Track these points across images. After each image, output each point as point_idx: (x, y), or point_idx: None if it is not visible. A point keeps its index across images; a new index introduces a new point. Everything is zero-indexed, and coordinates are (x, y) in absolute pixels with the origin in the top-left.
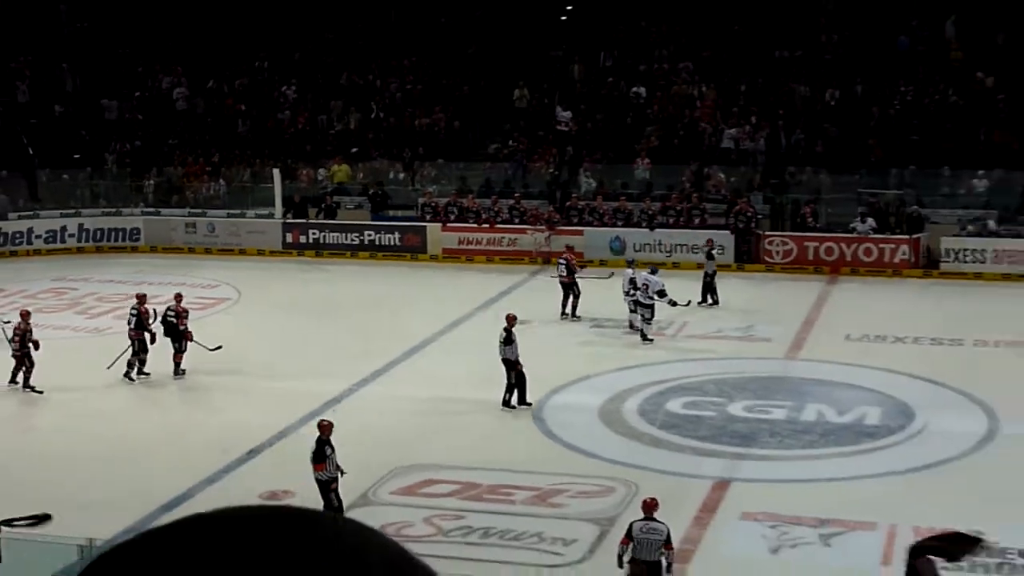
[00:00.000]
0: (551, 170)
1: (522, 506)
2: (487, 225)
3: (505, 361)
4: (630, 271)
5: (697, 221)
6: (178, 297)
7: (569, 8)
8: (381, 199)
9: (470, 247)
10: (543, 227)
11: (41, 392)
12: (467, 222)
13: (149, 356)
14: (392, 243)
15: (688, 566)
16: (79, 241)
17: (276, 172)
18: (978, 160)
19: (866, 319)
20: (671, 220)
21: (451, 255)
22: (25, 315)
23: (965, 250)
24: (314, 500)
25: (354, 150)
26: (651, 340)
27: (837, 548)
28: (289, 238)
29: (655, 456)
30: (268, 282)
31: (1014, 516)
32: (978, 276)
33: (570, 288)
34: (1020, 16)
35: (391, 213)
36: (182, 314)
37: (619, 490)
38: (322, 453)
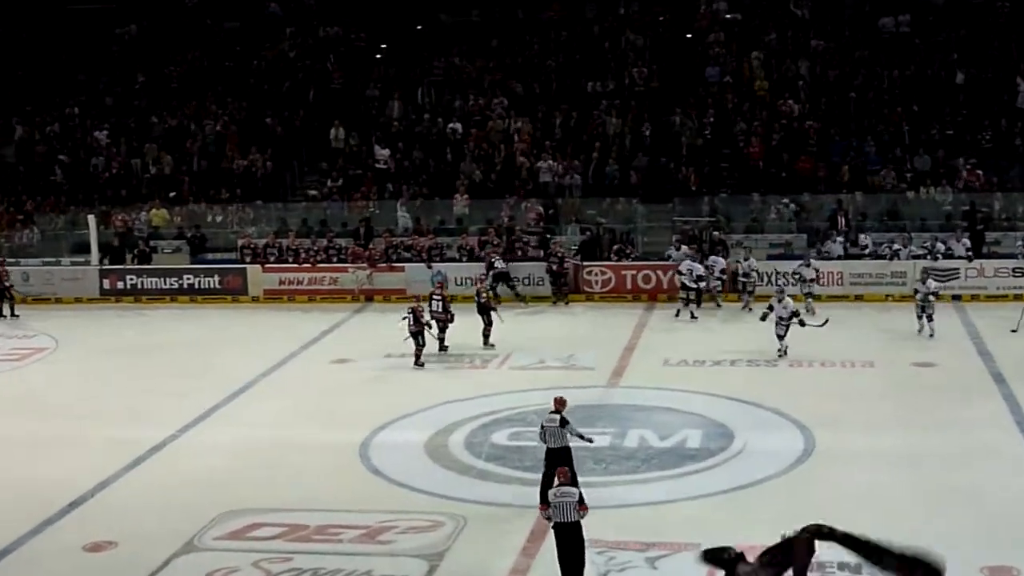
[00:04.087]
0: (370, 208)
1: (351, 545)
2: (308, 264)
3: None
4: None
5: (520, 254)
6: None
7: (384, 47)
8: (199, 242)
9: (291, 287)
10: (364, 265)
11: None
12: (287, 262)
13: None
14: (212, 286)
15: None
16: None
17: (91, 218)
18: (785, 186)
19: (685, 345)
20: (486, 253)
21: (272, 296)
22: None
23: (777, 274)
24: (138, 551)
25: (171, 194)
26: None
27: (664, 570)
28: (107, 284)
29: (482, 488)
30: (86, 329)
31: None
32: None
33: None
34: (820, 51)
35: (210, 256)
36: None
37: (447, 524)
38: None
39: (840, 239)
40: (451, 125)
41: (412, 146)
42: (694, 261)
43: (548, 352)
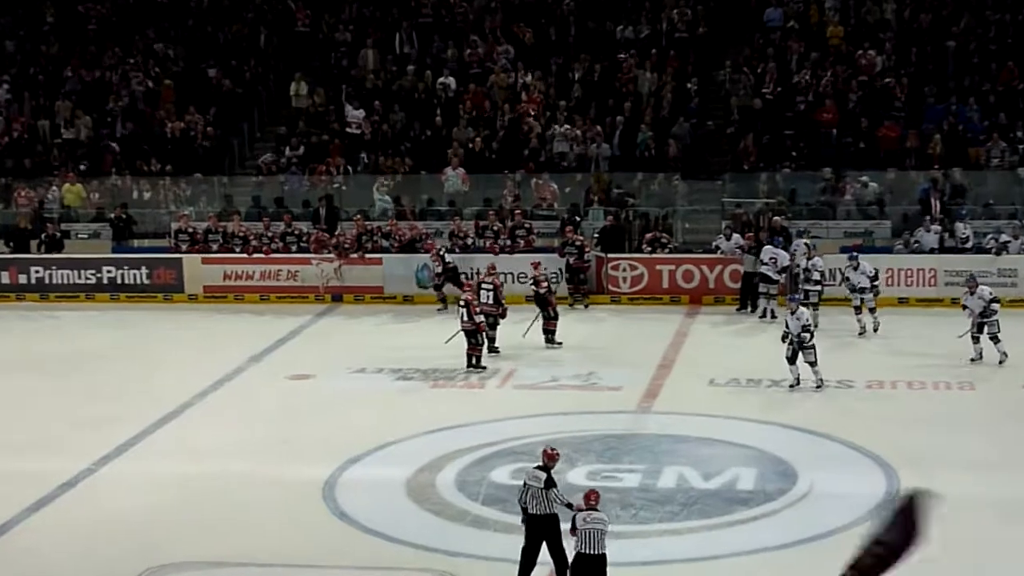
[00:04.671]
0: (337, 184)
1: None
2: (260, 255)
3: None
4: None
5: (522, 243)
6: None
7: None
8: (124, 226)
9: (239, 283)
10: (332, 255)
11: None
12: (234, 251)
13: None
14: (139, 281)
15: None
16: None
17: None
18: (864, 159)
19: (736, 359)
20: (488, 243)
21: (215, 294)
22: None
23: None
24: None
25: (85, 165)
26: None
27: None
28: (6, 278)
29: (477, 539)
30: None
31: None
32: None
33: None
34: None
35: (137, 243)
36: None
37: None
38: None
39: (935, 228)
40: (442, 80)
41: (392, 106)
42: (777, 247)
43: (562, 367)
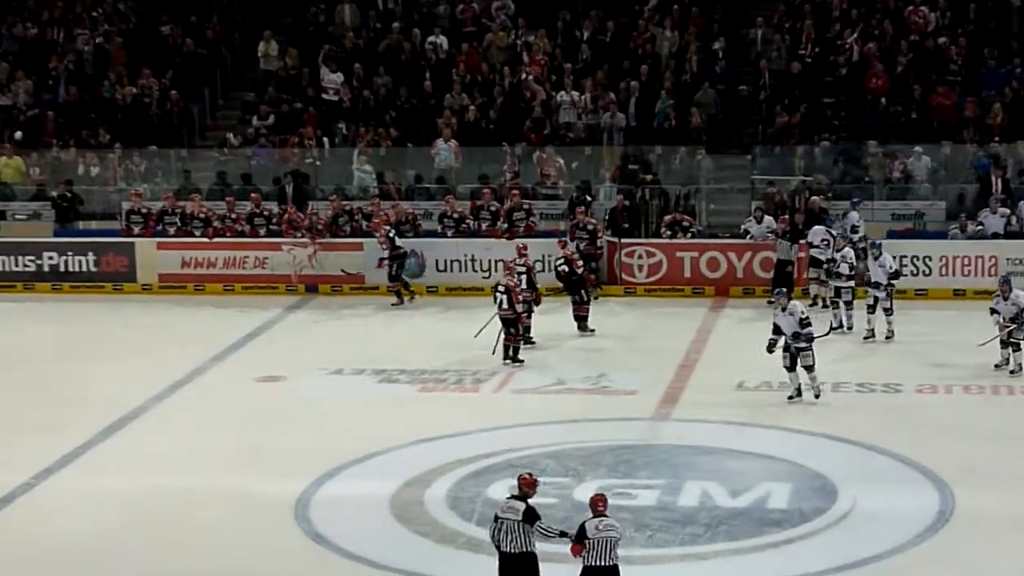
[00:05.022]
0: (309, 158)
1: None
2: (223, 239)
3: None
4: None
5: (523, 227)
6: None
7: None
8: (68, 205)
9: (199, 271)
10: (306, 238)
11: None
12: (194, 235)
13: None
14: (85, 268)
15: None
16: None
17: None
18: (916, 131)
19: (767, 359)
20: (485, 226)
21: (172, 284)
22: None
23: (903, 257)
24: None
25: (17, 135)
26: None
27: None
28: None
29: (472, 564)
30: None
31: None
32: (921, 295)
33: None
34: None
35: (83, 226)
36: None
37: None
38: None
39: (1002, 210)
40: (431, 39)
41: (374, 69)
42: (829, 225)
43: (569, 368)
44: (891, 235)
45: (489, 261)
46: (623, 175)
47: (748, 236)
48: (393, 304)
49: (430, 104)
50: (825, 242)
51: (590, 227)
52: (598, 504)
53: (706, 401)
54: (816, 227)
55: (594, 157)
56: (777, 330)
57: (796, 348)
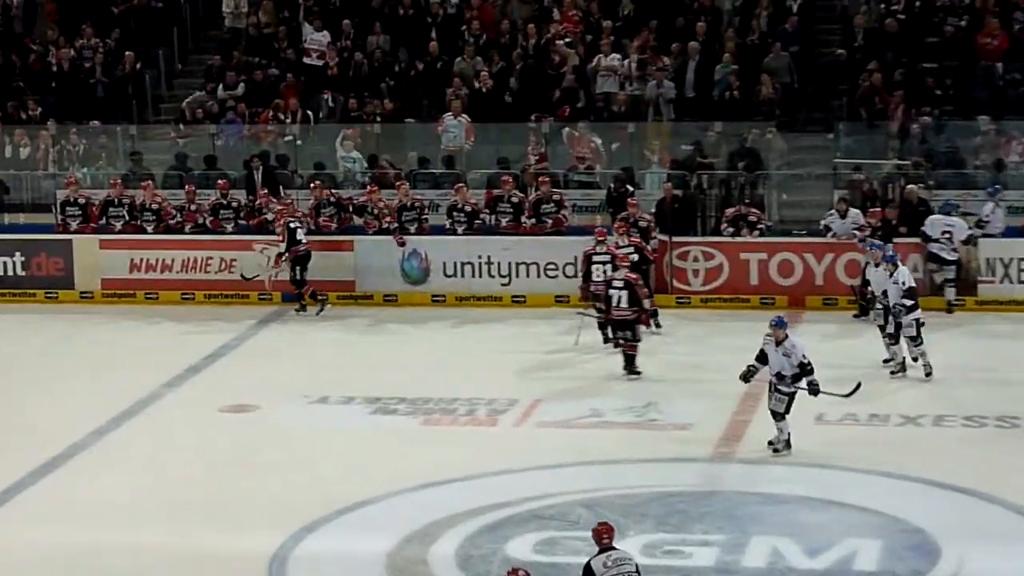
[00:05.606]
0: (288, 136)
1: None
2: (184, 235)
3: None
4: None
5: (551, 222)
6: None
7: None
8: None
9: (151, 276)
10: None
11: None
12: (145, 231)
13: None
14: (11, 272)
15: None
16: None
17: None
18: None
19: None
20: (504, 221)
21: (118, 291)
22: None
23: (1021, 260)
24: None
25: None
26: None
27: None
28: None
29: None
30: None
31: None
32: None
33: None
34: None
35: (8, 219)
36: None
37: None
38: None
39: None
40: None
41: (367, 27)
42: (951, 213)
43: (607, 397)
44: (1008, 233)
45: (509, 265)
46: (674, 159)
47: (830, 234)
48: (296, 311)
49: (436, 71)
50: (947, 235)
51: (642, 223)
52: (602, 536)
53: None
54: (934, 217)
55: (638, 136)
56: (762, 358)
57: (780, 390)
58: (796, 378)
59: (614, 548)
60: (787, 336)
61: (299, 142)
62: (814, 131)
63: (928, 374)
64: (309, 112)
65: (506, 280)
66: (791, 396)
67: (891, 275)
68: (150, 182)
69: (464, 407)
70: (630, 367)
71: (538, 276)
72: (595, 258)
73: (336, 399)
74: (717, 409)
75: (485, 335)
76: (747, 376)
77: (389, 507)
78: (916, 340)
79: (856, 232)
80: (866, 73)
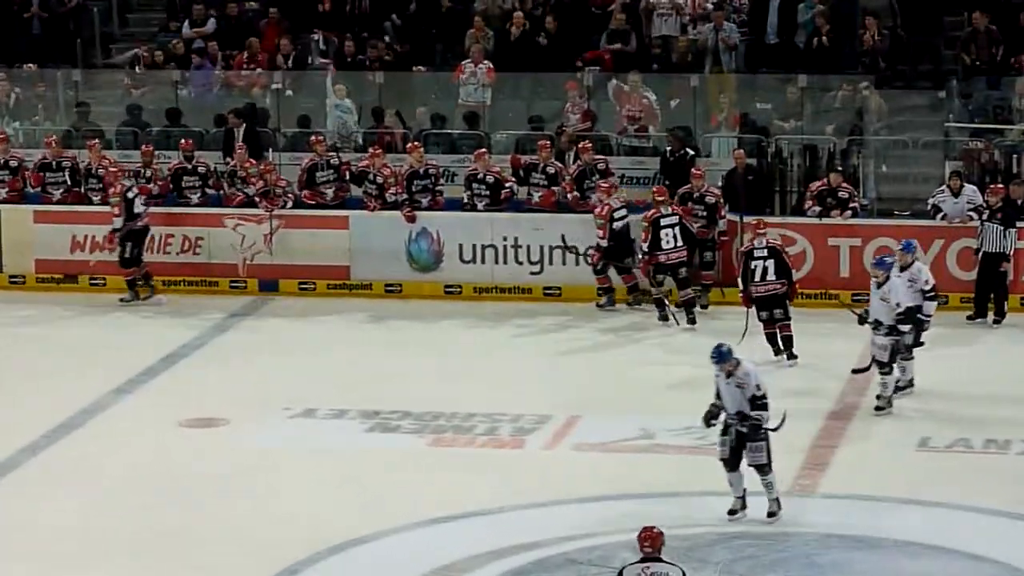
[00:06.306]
0: (275, 84)
1: None
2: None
3: None
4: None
5: (594, 198)
6: None
7: None
8: None
9: (97, 256)
10: (264, 207)
11: None
12: (91, 201)
13: None
14: None
15: None
16: None
17: None
18: None
19: (967, 405)
20: (537, 196)
21: (55, 274)
22: None
23: None
24: None
25: None
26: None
27: None
28: None
29: None
30: None
31: None
32: None
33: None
34: None
35: None
36: None
37: None
38: None
39: None
40: None
41: None
42: None
43: (660, 414)
44: None
45: (540, 249)
46: (745, 121)
47: (940, 215)
48: (122, 300)
49: (452, 9)
50: None
51: (710, 199)
52: (644, 543)
53: (871, 466)
54: None
55: (703, 91)
56: (718, 395)
57: (738, 432)
58: (753, 406)
59: (659, 560)
60: (738, 364)
61: (286, 93)
62: (921, 88)
63: (878, 408)
64: (294, 56)
65: (537, 267)
66: (740, 439)
67: (879, 286)
68: (97, 141)
69: (483, 424)
70: (788, 351)
71: (576, 264)
72: (662, 222)
73: (324, 412)
74: (796, 431)
75: (509, 335)
76: (707, 420)
77: (389, 547)
78: (884, 367)
79: (972, 214)
80: (986, 18)
